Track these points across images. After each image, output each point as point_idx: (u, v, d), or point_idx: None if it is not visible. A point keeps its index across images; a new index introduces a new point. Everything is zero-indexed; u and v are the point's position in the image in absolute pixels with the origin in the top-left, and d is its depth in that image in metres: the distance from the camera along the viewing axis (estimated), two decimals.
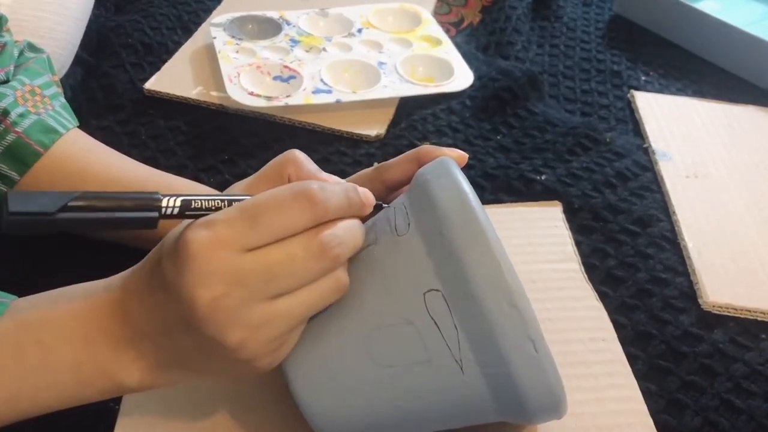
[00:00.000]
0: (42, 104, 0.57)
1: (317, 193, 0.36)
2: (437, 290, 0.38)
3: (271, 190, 0.36)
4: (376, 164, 0.48)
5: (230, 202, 0.38)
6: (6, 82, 0.56)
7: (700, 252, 0.61)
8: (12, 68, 0.57)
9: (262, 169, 0.43)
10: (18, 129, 0.54)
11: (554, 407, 0.40)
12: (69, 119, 0.59)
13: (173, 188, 0.56)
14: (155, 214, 0.36)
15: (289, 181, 0.41)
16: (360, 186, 0.42)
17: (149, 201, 0.36)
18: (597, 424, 0.48)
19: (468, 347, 0.38)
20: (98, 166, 0.56)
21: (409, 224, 0.40)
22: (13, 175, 0.55)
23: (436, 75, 0.81)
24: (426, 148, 0.46)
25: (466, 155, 0.46)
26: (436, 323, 0.38)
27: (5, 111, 0.54)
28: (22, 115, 0.55)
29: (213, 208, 0.37)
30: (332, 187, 0.38)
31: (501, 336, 0.37)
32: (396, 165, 0.46)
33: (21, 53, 0.59)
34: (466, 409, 0.40)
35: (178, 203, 0.36)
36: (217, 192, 0.40)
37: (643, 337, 0.54)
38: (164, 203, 0.36)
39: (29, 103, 0.56)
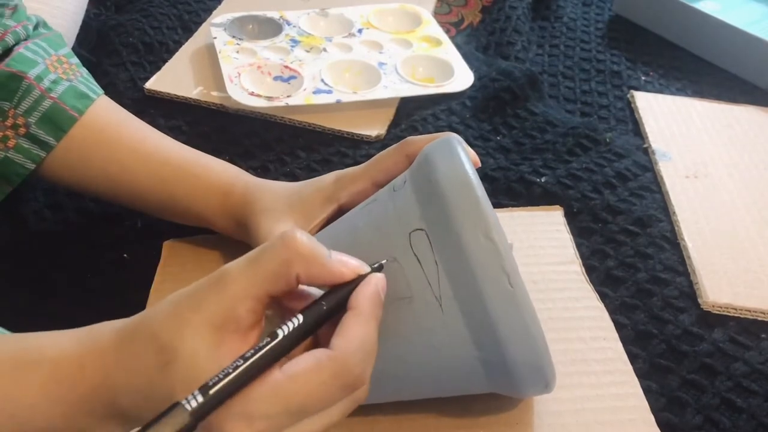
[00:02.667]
0: (71, 71, 0.58)
1: (362, 381, 0.36)
2: (421, 229, 0.40)
3: (312, 374, 0.34)
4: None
5: (255, 369, 0.34)
6: (26, 38, 0.57)
7: (699, 252, 0.61)
8: (28, 25, 0.58)
9: (256, 267, 0.36)
10: (53, 95, 0.55)
11: (534, 353, 0.40)
12: (96, 86, 0.60)
13: (206, 167, 0.57)
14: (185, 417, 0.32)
15: (299, 281, 0.36)
16: (384, 159, 0.49)
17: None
18: (598, 419, 0.48)
19: (447, 283, 0.39)
20: (132, 139, 0.58)
21: (405, 181, 0.43)
22: (51, 140, 0.56)
23: (437, 75, 0.81)
24: (450, 133, 0.47)
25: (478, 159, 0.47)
26: (418, 259, 0.40)
27: (39, 77, 0.55)
28: (55, 82, 0.56)
29: (238, 382, 0.34)
30: (365, 344, 0.36)
31: (476, 268, 0.38)
32: (421, 141, 0.49)
33: (37, 26, 0.60)
34: (450, 359, 0.41)
35: (198, 396, 0.33)
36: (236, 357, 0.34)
37: (644, 336, 0.54)
38: (183, 401, 0.32)
39: (59, 70, 0.57)
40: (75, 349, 0.37)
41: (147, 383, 0.35)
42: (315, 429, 0.36)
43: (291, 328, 0.35)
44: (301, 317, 0.36)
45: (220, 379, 0.33)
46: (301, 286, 0.37)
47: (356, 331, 0.36)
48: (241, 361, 0.33)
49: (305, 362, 0.34)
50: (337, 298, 0.37)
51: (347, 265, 0.37)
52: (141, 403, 0.35)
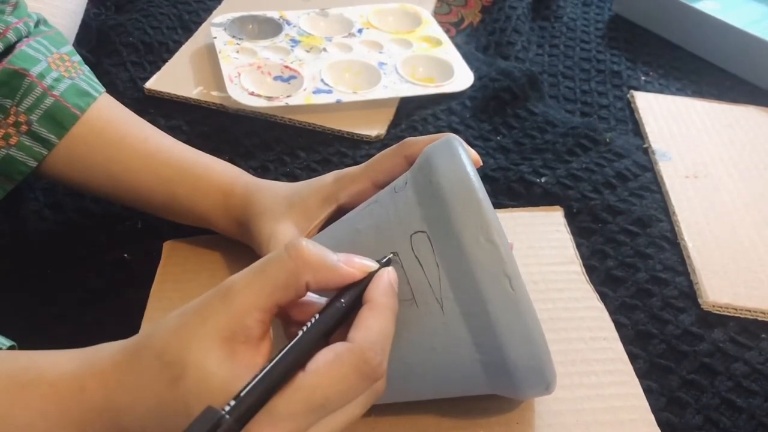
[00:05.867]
0: (73, 69, 0.58)
1: (382, 371, 0.36)
2: (423, 231, 0.40)
3: (333, 367, 0.34)
4: None
5: (285, 369, 0.34)
6: (27, 36, 0.57)
7: (699, 252, 0.61)
8: (29, 22, 0.58)
9: (263, 279, 0.35)
10: (55, 92, 0.56)
11: (535, 356, 0.40)
12: (98, 84, 0.60)
13: (207, 167, 0.57)
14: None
15: (308, 288, 0.36)
16: (384, 159, 0.49)
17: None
18: (598, 419, 0.48)
19: (448, 285, 0.40)
20: (134, 138, 0.58)
21: (406, 183, 0.43)
22: (53, 138, 0.56)
23: (437, 75, 0.81)
24: (450, 134, 0.47)
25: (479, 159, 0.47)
26: (419, 261, 0.40)
27: (41, 75, 0.55)
28: (57, 79, 0.56)
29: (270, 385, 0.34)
30: (382, 335, 0.36)
31: (477, 270, 0.38)
32: (420, 142, 0.48)
33: (38, 23, 0.60)
34: (450, 361, 0.41)
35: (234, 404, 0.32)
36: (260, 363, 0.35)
37: (644, 336, 0.54)
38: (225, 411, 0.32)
39: (61, 68, 0.57)
40: (74, 370, 0.36)
41: (156, 401, 0.34)
42: (339, 424, 0.36)
43: (311, 327, 0.36)
44: (318, 316, 0.36)
45: (251, 384, 0.33)
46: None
47: (373, 323, 0.36)
48: (269, 365, 0.34)
49: (324, 357, 0.34)
50: (352, 296, 0.37)
51: (355, 265, 0.37)
52: (149, 421, 0.35)
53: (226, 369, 0.34)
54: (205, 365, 0.34)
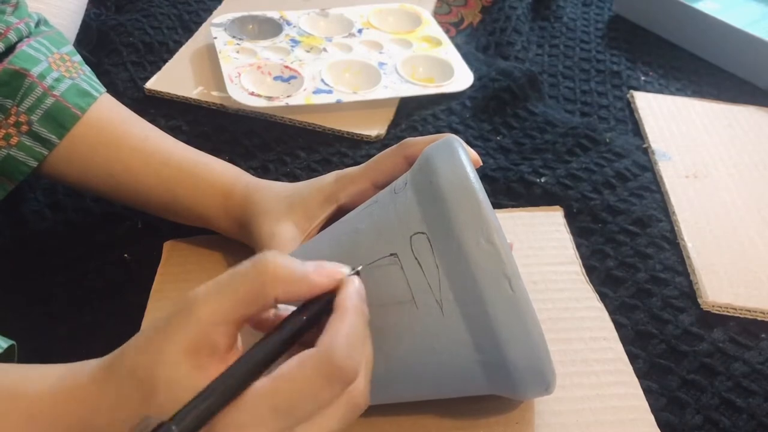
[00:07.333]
0: (74, 69, 0.58)
1: (350, 373, 0.34)
2: (422, 232, 0.40)
3: (296, 370, 0.33)
4: None
5: (234, 379, 0.33)
6: (28, 36, 0.57)
7: (699, 252, 0.61)
8: (30, 22, 0.58)
9: (227, 292, 0.35)
10: (55, 93, 0.56)
11: (535, 357, 0.40)
12: (98, 84, 0.60)
13: (207, 167, 0.57)
14: None
15: (278, 301, 0.35)
16: (383, 160, 0.49)
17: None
18: (598, 419, 0.48)
19: (448, 286, 0.40)
20: (134, 138, 0.58)
21: (406, 183, 0.43)
22: (53, 138, 0.56)
23: (437, 75, 0.81)
24: (450, 134, 0.47)
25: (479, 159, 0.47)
26: (419, 262, 0.40)
27: (41, 75, 0.55)
28: (57, 80, 0.56)
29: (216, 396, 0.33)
30: (349, 338, 0.35)
31: (477, 271, 0.38)
32: (420, 143, 0.48)
33: (38, 23, 0.60)
34: (450, 362, 0.41)
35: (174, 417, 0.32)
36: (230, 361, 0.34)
37: (644, 336, 0.54)
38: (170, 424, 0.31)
39: (62, 68, 0.57)
40: (54, 387, 0.36)
41: (133, 418, 0.34)
42: None
43: (267, 335, 0.35)
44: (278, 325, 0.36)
45: (198, 396, 0.32)
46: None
47: (340, 326, 0.35)
48: (219, 377, 0.33)
49: (288, 363, 0.34)
50: (319, 304, 0.36)
51: (323, 273, 0.36)
52: None
53: (194, 382, 0.33)
54: (174, 382, 0.33)
